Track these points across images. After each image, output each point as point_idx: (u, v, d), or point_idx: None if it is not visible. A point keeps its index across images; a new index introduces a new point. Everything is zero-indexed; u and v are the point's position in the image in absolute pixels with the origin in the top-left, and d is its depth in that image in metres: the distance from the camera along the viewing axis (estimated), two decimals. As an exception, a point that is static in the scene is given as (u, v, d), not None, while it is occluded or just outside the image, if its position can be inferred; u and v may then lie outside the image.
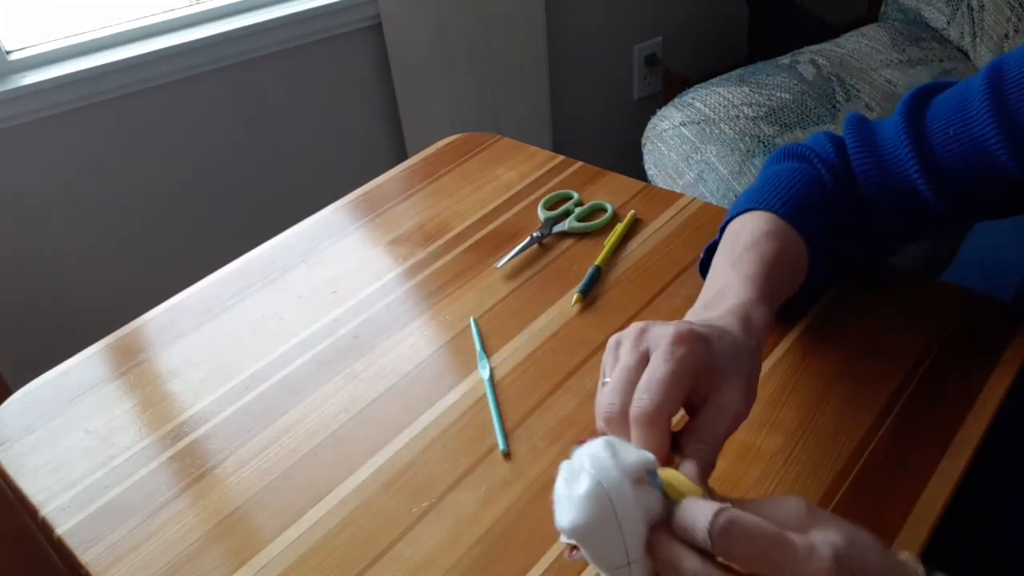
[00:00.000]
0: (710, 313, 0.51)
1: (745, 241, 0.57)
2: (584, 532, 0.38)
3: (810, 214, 0.60)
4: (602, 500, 0.37)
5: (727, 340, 0.46)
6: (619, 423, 0.43)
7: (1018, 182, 0.57)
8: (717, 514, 0.36)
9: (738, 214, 0.61)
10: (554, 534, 0.53)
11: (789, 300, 0.60)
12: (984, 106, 0.56)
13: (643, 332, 0.45)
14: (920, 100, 0.62)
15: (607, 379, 0.46)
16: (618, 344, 0.47)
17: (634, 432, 0.41)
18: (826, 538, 0.35)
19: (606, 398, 0.44)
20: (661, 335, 0.44)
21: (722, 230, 0.62)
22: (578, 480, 0.38)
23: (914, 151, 0.60)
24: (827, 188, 0.62)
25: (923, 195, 0.61)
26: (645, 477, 0.38)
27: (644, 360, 0.44)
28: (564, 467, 0.40)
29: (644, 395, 0.42)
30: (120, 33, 1.47)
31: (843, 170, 0.63)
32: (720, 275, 0.55)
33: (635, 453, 0.39)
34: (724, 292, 0.52)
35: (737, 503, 0.37)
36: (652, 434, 0.41)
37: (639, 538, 0.38)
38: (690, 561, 0.37)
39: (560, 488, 0.39)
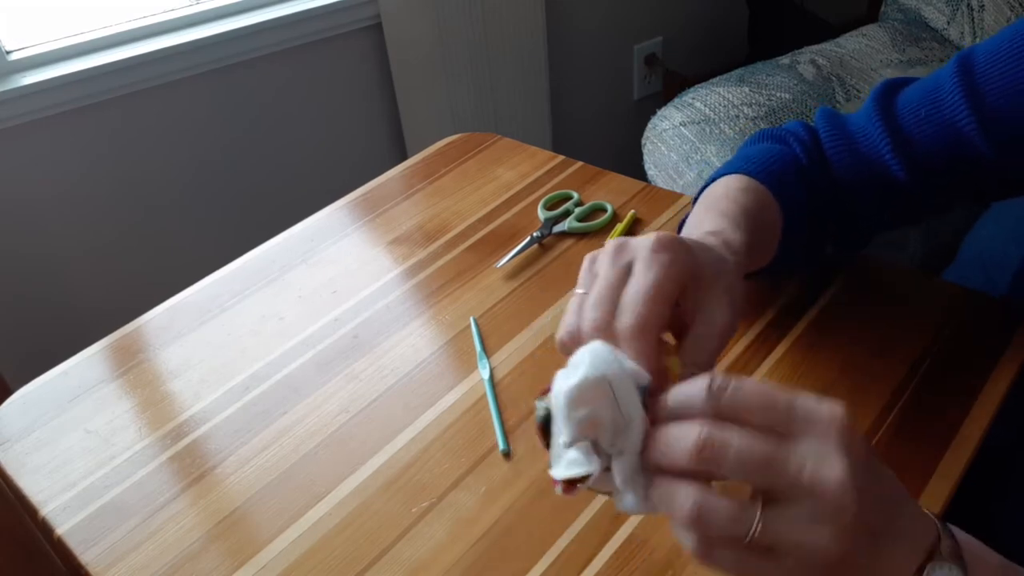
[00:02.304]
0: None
1: (718, 194, 0.57)
2: (582, 403, 0.36)
3: (785, 186, 0.60)
4: (602, 384, 0.36)
5: (709, 251, 0.46)
6: (604, 339, 0.41)
7: (987, 163, 0.58)
8: (714, 378, 0.35)
9: (711, 182, 0.61)
10: (554, 534, 0.53)
11: (765, 272, 0.60)
12: (955, 89, 0.57)
13: (622, 245, 0.44)
14: (889, 89, 0.63)
15: (580, 290, 0.44)
16: (594, 260, 0.45)
17: (624, 347, 0.40)
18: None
19: (589, 312, 0.42)
20: (642, 244, 0.43)
21: (695, 202, 0.61)
22: (576, 369, 0.36)
23: (886, 131, 0.61)
24: (803, 167, 0.63)
25: (895, 175, 0.61)
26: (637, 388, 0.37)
27: (626, 273, 0.42)
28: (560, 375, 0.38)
29: (631, 307, 0.40)
30: (120, 33, 1.47)
31: (817, 154, 0.64)
32: (695, 218, 0.55)
33: (632, 363, 0.38)
34: (699, 227, 0.52)
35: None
36: (642, 347, 0.39)
37: (638, 429, 0.36)
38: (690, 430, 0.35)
39: (558, 383, 0.37)
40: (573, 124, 2.07)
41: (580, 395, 0.36)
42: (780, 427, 0.34)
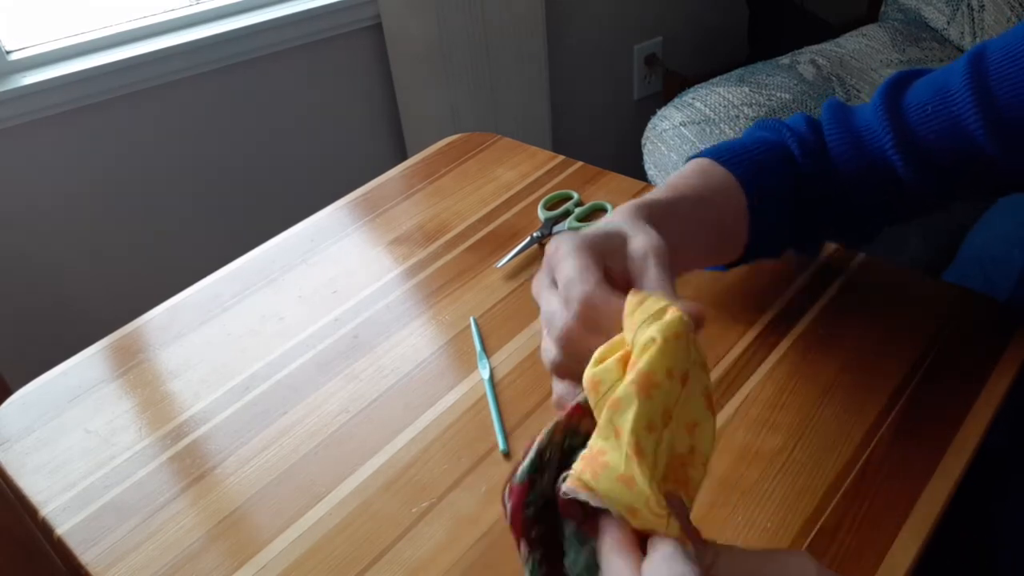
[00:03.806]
0: None
1: (668, 180, 0.58)
2: None
3: (761, 175, 0.59)
4: None
5: (600, 223, 0.48)
6: (566, 370, 0.43)
7: (992, 162, 0.57)
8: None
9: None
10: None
11: (752, 255, 0.60)
12: (964, 85, 0.56)
13: (540, 270, 0.47)
14: (899, 83, 0.62)
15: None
16: (538, 296, 0.47)
17: (603, 312, 0.42)
18: None
19: (547, 354, 0.44)
20: (545, 256, 0.46)
21: None
22: None
23: (890, 126, 0.60)
24: (789, 156, 0.62)
25: (897, 170, 0.61)
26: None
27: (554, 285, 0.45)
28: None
29: (570, 291, 0.43)
30: (120, 33, 1.47)
31: (816, 146, 0.63)
32: None
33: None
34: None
35: (726, 550, 0.33)
36: (609, 309, 0.41)
37: None
38: None
39: None
40: (573, 124, 2.07)
41: None
42: None
